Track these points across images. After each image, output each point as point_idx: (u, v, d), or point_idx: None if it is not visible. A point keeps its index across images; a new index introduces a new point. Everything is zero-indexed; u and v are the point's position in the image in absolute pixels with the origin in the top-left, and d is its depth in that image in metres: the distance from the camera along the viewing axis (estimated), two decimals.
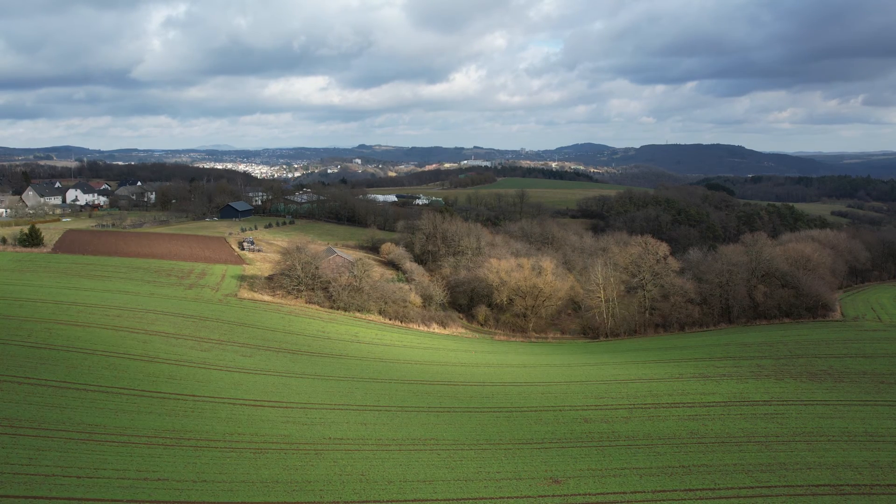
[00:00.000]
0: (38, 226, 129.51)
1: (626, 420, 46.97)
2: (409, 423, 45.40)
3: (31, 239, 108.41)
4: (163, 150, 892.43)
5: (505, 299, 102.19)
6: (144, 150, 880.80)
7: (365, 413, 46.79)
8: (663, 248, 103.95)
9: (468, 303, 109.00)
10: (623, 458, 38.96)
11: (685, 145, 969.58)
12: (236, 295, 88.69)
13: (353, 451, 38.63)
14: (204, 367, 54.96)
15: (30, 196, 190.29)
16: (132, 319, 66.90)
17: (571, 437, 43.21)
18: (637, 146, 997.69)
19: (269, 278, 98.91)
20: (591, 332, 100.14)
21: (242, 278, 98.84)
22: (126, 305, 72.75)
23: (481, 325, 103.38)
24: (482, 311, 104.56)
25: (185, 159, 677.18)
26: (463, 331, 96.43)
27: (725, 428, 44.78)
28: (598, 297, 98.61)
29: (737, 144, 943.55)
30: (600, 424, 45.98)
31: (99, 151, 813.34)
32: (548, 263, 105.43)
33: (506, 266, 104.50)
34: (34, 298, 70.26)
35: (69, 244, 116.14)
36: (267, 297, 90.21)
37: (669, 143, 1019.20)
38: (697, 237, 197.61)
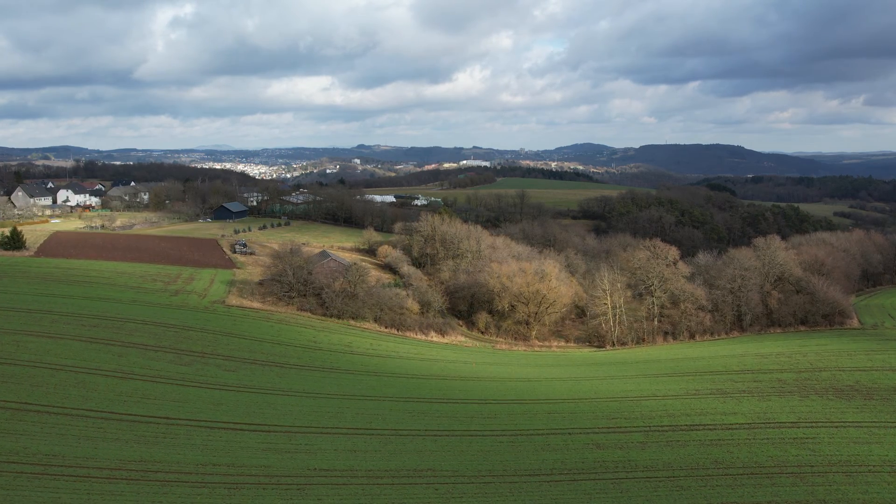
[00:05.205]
0: (25, 227, 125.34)
1: (642, 446, 42.72)
2: (403, 449, 41.18)
3: (13, 242, 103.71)
4: (162, 151, 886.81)
5: (506, 306, 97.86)
6: (143, 150, 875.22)
7: (355, 438, 42.55)
8: (673, 251, 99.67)
9: (468, 309, 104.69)
10: (643, 494, 34.74)
11: (685, 145, 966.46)
12: (224, 302, 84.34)
13: (340, 486, 34.47)
14: (182, 385, 50.74)
15: (19, 196, 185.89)
16: (109, 329, 62.67)
17: (583, 466, 38.98)
18: (636, 146, 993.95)
19: (260, 283, 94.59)
20: (596, 340, 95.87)
21: (232, 283, 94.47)
22: (104, 314, 68.47)
23: (482, 332, 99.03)
24: (483, 317, 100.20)
25: (184, 159, 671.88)
26: (462, 339, 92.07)
27: (753, 455, 40.55)
28: (605, 304, 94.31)
29: (736, 144, 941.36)
30: (614, 451, 41.71)
31: (97, 151, 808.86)
32: (551, 268, 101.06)
33: (507, 270, 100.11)
34: (6, 307, 65.99)
35: (54, 247, 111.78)
36: (256, 304, 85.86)
37: (669, 143, 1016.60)
38: (702, 239, 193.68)
